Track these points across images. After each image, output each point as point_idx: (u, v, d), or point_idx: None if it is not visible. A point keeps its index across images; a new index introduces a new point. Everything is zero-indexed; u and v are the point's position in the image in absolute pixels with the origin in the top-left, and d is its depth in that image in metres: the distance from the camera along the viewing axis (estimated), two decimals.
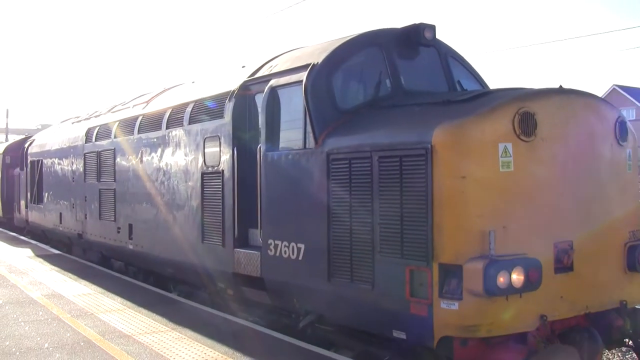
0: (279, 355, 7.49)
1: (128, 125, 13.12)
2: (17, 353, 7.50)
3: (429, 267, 6.29)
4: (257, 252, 8.76)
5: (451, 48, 9.40)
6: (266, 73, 9.16)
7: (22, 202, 21.70)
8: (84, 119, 17.00)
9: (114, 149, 13.59)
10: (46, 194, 18.73)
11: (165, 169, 11.27)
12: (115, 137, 13.65)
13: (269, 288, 8.67)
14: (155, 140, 11.69)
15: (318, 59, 8.23)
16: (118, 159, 13.40)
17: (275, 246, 8.40)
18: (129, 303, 10.31)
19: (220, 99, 9.78)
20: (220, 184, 9.54)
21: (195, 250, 10.25)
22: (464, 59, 9.63)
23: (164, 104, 11.94)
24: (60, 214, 17.33)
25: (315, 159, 7.79)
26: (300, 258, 7.99)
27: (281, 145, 8.58)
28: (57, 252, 17.63)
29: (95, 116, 16.25)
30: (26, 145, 21.44)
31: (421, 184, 6.42)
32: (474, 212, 6.23)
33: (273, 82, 8.74)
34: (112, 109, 15.57)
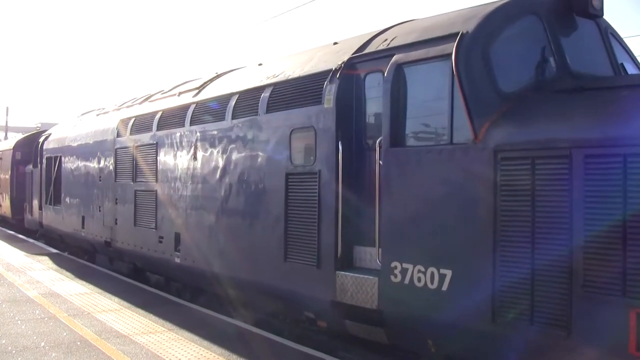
0: (276, 356, 7.38)
1: (176, 115, 11.08)
2: (14, 352, 7.40)
3: None
4: (374, 278, 6.76)
5: (609, 23, 7.47)
6: (382, 47, 7.17)
7: (35, 203, 19.57)
8: (114, 110, 14.94)
9: (156, 143, 11.54)
10: (65, 195, 16.63)
11: (229, 168, 9.24)
12: (157, 129, 11.60)
13: (390, 324, 6.67)
14: (215, 133, 9.66)
15: (466, 27, 6.27)
16: (161, 156, 11.35)
17: (403, 271, 6.40)
18: (126, 303, 10.23)
19: (315, 81, 7.77)
20: (316, 187, 7.53)
21: (273, 270, 8.22)
22: (621, 38, 7.70)
23: (225, 89, 9.89)
24: (83, 217, 15.25)
25: (473, 158, 5.82)
26: (443, 288, 6.01)
27: (410, 139, 6.61)
28: (55, 251, 17.39)
29: (128, 106, 14.20)
30: (41, 140, 19.32)
31: None
32: None
33: (399, 57, 6.75)
34: (148, 98, 13.53)
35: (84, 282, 12.21)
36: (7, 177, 23.25)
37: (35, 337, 8.05)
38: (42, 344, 7.76)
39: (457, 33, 6.21)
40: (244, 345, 7.69)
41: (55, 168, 17.42)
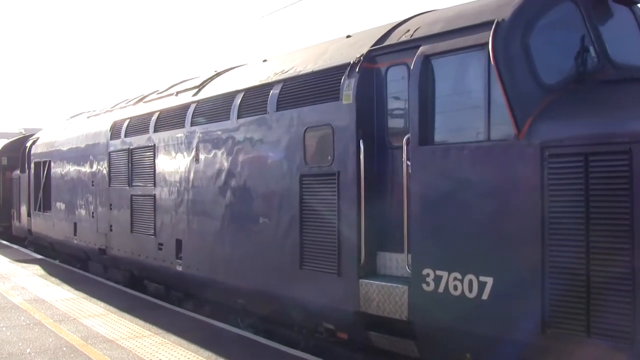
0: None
1: (175, 116, 10.51)
2: None
3: None
4: (403, 287, 6.26)
5: None
6: (406, 38, 6.67)
7: (23, 209, 18.87)
8: (106, 112, 14.32)
9: (154, 145, 10.96)
10: (55, 200, 15.98)
11: (236, 170, 8.70)
12: (155, 131, 11.03)
13: (421, 336, 6.17)
14: (219, 133, 9.11)
15: (501, 14, 5.79)
16: (160, 158, 10.78)
17: (437, 279, 5.90)
18: (112, 308, 10.18)
19: (331, 75, 7.25)
20: (335, 189, 7.01)
21: (287, 278, 7.70)
22: None
23: (229, 87, 9.35)
24: (75, 224, 14.61)
25: (516, 155, 5.35)
26: (483, 297, 5.53)
27: (441, 136, 6.12)
28: (39, 256, 17.26)
29: (121, 108, 13.59)
30: (28, 145, 18.62)
31: None
32: None
33: (426, 49, 6.26)
34: (142, 98, 12.94)
35: (69, 288, 12.18)
36: None
37: (20, 344, 7.97)
38: (28, 350, 7.69)
39: (492, 21, 5.72)
40: (232, 349, 7.65)
41: (45, 173, 16.77)
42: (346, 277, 6.86)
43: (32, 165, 17.85)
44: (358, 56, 6.99)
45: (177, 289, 10.82)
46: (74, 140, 14.97)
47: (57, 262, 16.34)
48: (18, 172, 19.82)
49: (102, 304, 10.48)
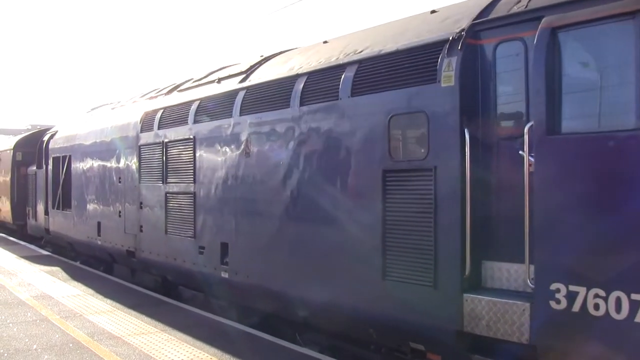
0: (268, 357, 7.25)
1: (220, 104, 9.48)
2: (5, 355, 7.33)
3: None
4: (524, 304, 5.23)
5: None
6: (520, 9, 5.63)
7: (40, 207, 17.84)
8: (133, 102, 13.31)
9: (194, 137, 9.93)
10: (76, 198, 14.95)
11: (298, 165, 7.67)
12: (195, 121, 10.00)
13: None
14: (276, 123, 8.08)
15: None
16: (201, 152, 9.75)
17: (570, 295, 4.88)
18: (118, 304, 10.17)
19: (424, 54, 6.22)
20: (431, 186, 5.98)
21: (364, 289, 6.67)
22: None
23: (287, 70, 8.31)
24: (99, 223, 13.59)
25: None
26: (637, 319, 4.48)
27: (575, 122, 5.08)
28: (46, 253, 17.22)
29: (151, 98, 12.57)
30: (46, 139, 17.59)
31: None
32: None
33: (551, 20, 5.22)
34: (176, 87, 11.92)
35: (76, 284, 12.17)
36: (7, 179, 21.41)
37: (27, 340, 7.98)
38: (35, 346, 7.69)
39: None
40: (237, 346, 7.59)
41: (64, 169, 15.75)
42: (445, 290, 5.83)
43: (51, 160, 16.82)
44: (458, 31, 5.96)
45: (220, 297, 9.78)
46: (98, 134, 13.95)
47: (63, 258, 16.08)
48: (34, 168, 18.80)
49: (109, 301, 10.47)
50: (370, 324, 6.77)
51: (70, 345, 7.74)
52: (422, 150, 6.09)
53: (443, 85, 5.89)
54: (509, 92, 5.70)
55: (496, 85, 5.76)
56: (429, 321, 6.00)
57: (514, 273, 5.54)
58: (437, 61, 6.00)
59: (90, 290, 11.45)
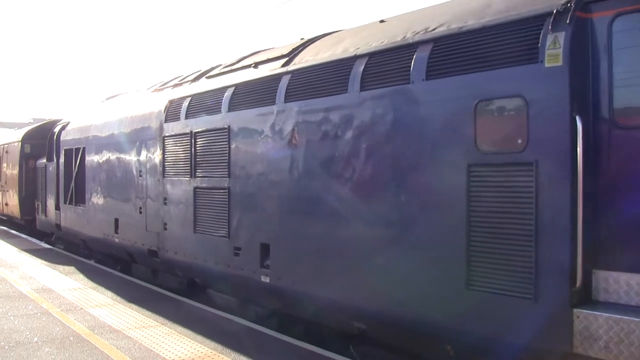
0: (270, 352, 7.19)
1: (259, 90, 8.63)
2: (6, 347, 7.29)
3: None
4: None
5: None
6: None
7: (50, 202, 16.99)
8: (154, 91, 12.45)
9: (228, 127, 9.08)
10: (91, 193, 14.10)
11: (358, 157, 6.83)
12: (230, 109, 9.15)
13: None
14: (330, 110, 7.24)
15: None
16: (237, 143, 8.90)
17: None
18: (119, 298, 10.21)
19: (520, 29, 5.37)
20: (531, 183, 5.15)
21: (441, 299, 5.84)
22: None
23: (341, 52, 7.45)
24: (117, 220, 12.75)
25: None
26: None
27: None
28: (47, 246, 17.22)
29: (175, 85, 11.71)
30: (57, 130, 16.71)
31: None
32: None
33: None
34: (204, 74, 11.06)
35: (77, 277, 12.25)
36: (15, 172, 20.55)
37: (28, 333, 7.99)
38: (35, 339, 7.70)
39: None
40: (238, 340, 7.57)
41: (77, 162, 14.89)
42: (549, 304, 5.01)
43: (62, 152, 15.97)
44: (564, 2, 5.11)
45: (258, 303, 8.95)
46: (115, 125, 13.09)
47: (65, 252, 16.01)
48: (44, 160, 17.93)
49: (110, 294, 10.52)
50: (446, 338, 5.95)
51: (71, 338, 7.74)
52: (519, 142, 5.25)
53: (547, 65, 5.05)
54: (629, 74, 4.86)
55: (612, 66, 4.93)
56: (525, 340, 5.18)
57: (635, 285, 4.71)
58: (539, 38, 5.15)
59: (91, 284, 11.49)
